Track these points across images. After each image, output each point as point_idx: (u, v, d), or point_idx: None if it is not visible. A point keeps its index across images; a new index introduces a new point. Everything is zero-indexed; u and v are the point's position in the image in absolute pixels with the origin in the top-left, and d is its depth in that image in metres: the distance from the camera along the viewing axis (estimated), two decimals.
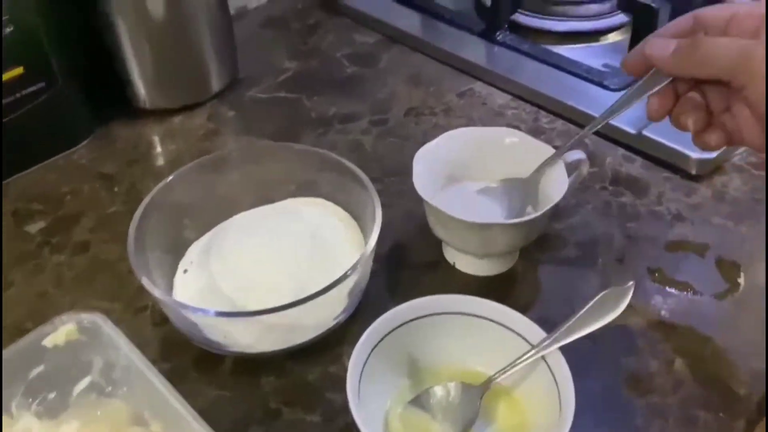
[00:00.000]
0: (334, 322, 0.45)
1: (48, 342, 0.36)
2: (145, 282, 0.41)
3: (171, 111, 0.67)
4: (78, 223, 0.55)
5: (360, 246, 0.48)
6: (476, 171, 0.50)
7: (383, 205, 0.46)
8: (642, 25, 0.64)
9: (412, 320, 0.40)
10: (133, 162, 0.61)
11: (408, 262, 0.51)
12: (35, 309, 0.48)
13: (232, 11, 0.80)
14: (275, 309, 0.40)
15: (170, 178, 0.49)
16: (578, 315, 0.37)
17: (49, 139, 0.61)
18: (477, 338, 0.40)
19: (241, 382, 0.44)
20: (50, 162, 0.61)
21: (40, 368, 0.35)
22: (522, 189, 0.48)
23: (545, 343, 0.37)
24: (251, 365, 0.44)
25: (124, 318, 0.48)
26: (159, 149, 0.63)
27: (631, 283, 0.36)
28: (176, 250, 0.49)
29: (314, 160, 0.51)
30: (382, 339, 0.39)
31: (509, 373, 0.38)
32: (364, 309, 0.47)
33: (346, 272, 0.41)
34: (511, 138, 0.49)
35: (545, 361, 0.37)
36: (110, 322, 0.36)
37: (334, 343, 0.45)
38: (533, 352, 0.37)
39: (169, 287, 0.47)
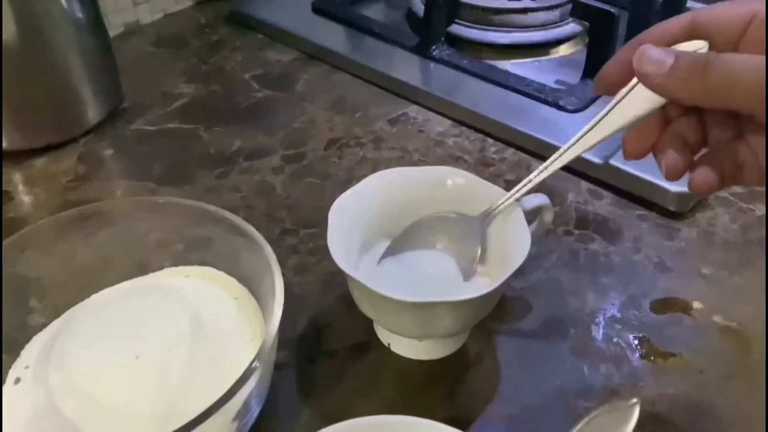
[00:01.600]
0: None
1: None
2: None
3: (32, 152, 0.53)
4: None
5: (260, 333, 0.36)
6: (411, 219, 0.38)
7: (298, 269, 0.34)
8: (599, 35, 0.55)
9: None
10: None
11: (329, 347, 0.39)
12: None
13: (119, 28, 0.68)
14: None
15: (13, 238, 0.36)
16: None
17: None
18: None
19: None
20: None
21: None
22: (469, 227, 0.37)
23: None
24: None
25: None
26: (12, 203, 0.49)
27: (634, 400, 0.26)
28: (12, 348, 0.36)
29: (201, 216, 0.39)
30: None
31: None
32: (269, 417, 0.35)
33: (236, 384, 0.29)
34: (455, 179, 0.38)
35: None
36: None
37: None
38: None
39: None
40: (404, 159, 0.53)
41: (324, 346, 0.39)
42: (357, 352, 0.39)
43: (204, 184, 0.51)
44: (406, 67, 0.61)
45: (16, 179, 0.51)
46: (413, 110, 0.58)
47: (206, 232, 0.39)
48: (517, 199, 0.36)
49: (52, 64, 0.52)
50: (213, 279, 0.39)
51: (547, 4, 0.62)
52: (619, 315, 0.41)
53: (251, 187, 0.50)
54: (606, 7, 0.54)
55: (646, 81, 0.28)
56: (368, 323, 0.40)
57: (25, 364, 0.35)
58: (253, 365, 0.30)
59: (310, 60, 0.65)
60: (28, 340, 0.37)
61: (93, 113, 0.56)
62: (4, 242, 0.36)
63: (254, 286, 0.37)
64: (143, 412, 0.32)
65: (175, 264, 0.40)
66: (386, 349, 0.39)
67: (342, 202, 0.36)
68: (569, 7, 0.62)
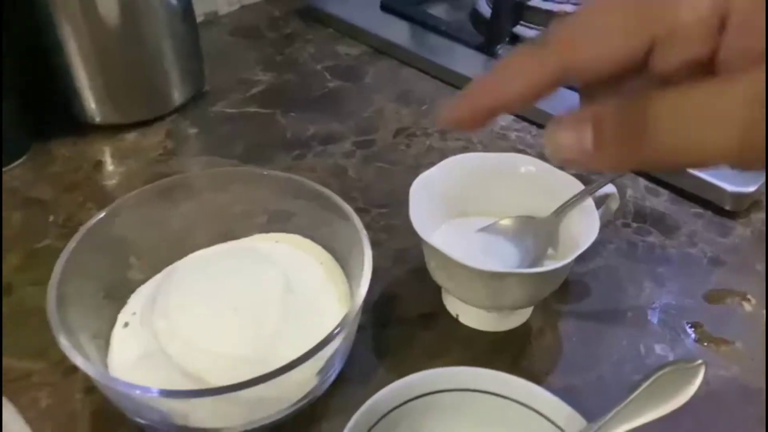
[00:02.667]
0: (311, 396, 0.36)
1: None
2: (64, 343, 0.32)
3: (123, 127, 0.58)
4: (2, 259, 0.45)
5: (345, 295, 0.39)
6: (484, 205, 0.41)
7: (371, 244, 0.37)
8: None
9: (407, 402, 0.31)
10: (73, 186, 0.52)
11: (400, 315, 0.42)
12: None
13: (200, 17, 0.72)
14: (236, 387, 0.31)
15: (113, 206, 0.40)
16: (630, 399, 0.28)
17: None
18: (492, 423, 0.32)
19: None
20: None
21: None
22: (540, 228, 0.40)
23: None
24: None
25: (48, 381, 0.38)
26: (106, 172, 0.54)
27: (699, 361, 0.28)
28: (118, 296, 0.40)
29: (288, 188, 0.42)
30: (374, 425, 0.30)
31: None
32: (347, 375, 0.38)
33: (329, 335, 0.33)
34: (527, 166, 0.41)
35: None
36: (11, 407, 0.27)
37: (310, 418, 0.36)
38: None
39: (106, 344, 0.37)
40: (469, 150, 0.56)
41: (396, 314, 0.42)
42: (426, 321, 0.42)
43: (282, 164, 0.54)
44: (470, 64, 0.64)
45: (108, 150, 0.56)
46: None
47: (295, 202, 0.43)
48: (593, 192, 0.39)
49: (147, 47, 0.56)
50: (300, 245, 0.42)
51: None
52: (674, 302, 0.43)
53: (325, 169, 0.54)
54: None
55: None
56: (437, 296, 0.43)
57: (132, 311, 0.39)
58: (343, 324, 0.33)
59: (377, 54, 0.68)
60: (129, 291, 0.41)
61: (178, 94, 0.60)
62: (106, 208, 0.40)
63: (339, 254, 0.41)
64: (240, 357, 0.35)
65: (263, 231, 0.44)
66: (454, 320, 0.42)
67: (422, 180, 0.39)
68: None
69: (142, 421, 0.34)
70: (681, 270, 0.45)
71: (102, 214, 0.39)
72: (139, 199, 0.41)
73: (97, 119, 0.57)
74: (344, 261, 0.41)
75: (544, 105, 0.57)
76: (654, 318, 0.42)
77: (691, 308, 0.43)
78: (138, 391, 0.31)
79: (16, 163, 0.53)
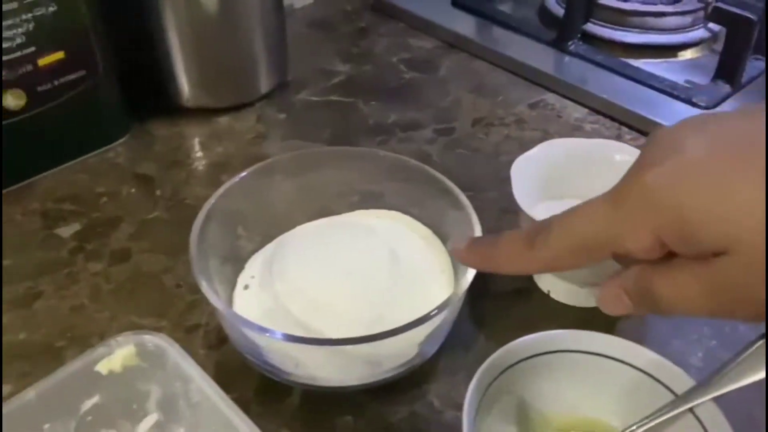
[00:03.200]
0: (419, 358, 0.38)
1: (102, 367, 0.29)
2: (207, 290, 0.35)
3: (215, 111, 0.61)
4: (116, 228, 0.49)
5: (447, 266, 0.42)
6: (578, 188, 0.44)
7: None
8: (736, 38, 0.59)
9: (525, 359, 0.34)
10: (175, 164, 0.55)
11: (495, 289, 0.45)
12: (69, 325, 0.42)
13: None
14: (358, 339, 0.34)
15: (227, 185, 0.43)
16: (739, 359, 0.30)
17: (83, 134, 0.55)
18: (599, 381, 0.34)
19: (312, 421, 0.37)
20: (82, 160, 0.55)
21: (95, 399, 0.29)
22: None
23: (696, 393, 0.31)
24: (323, 401, 0.38)
25: (173, 338, 0.41)
26: (204, 151, 0.57)
27: None
28: (233, 263, 0.43)
29: (391, 166, 0.45)
30: (492, 381, 0.33)
31: (646, 427, 0.32)
32: (450, 342, 0.40)
33: (441, 305, 0.35)
34: (623, 155, 0.43)
35: (695, 415, 0.31)
36: (177, 346, 0.30)
37: (416, 381, 0.39)
38: (680, 403, 0.31)
39: (228, 304, 0.41)
40: (546, 140, 0.58)
41: (491, 289, 0.45)
42: (519, 296, 0.44)
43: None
44: (542, 59, 0.66)
45: (205, 132, 0.59)
46: (550, 97, 0.63)
47: (389, 180, 0.45)
48: None
49: (240, 36, 0.59)
50: (400, 220, 0.45)
51: (680, 10, 0.66)
52: None
53: (410, 154, 0.55)
54: (744, 13, 0.58)
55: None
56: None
57: (250, 275, 0.42)
58: (454, 297, 0.36)
59: (450, 48, 0.71)
60: (241, 257, 0.44)
61: (265, 82, 0.63)
62: (222, 187, 0.42)
63: (437, 229, 0.43)
64: (356, 317, 0.38)
65: (359, 208, 0.47)
66: (545, 296, 0.44)
67: (522, 160, 0.42)
68: (701, 13, 0.66)
69: (266, 369, 0.37)
70: None
71: (221, 191, 0.42)
72: (246, 177, 0.44)
73: (191, 103, 0.61)
74: (444, 236, 0.43)
75: (617, 99, 0.59)
76: None
77: None
78: (267, 334, 0.34)
79: (119, 141, 0.57)
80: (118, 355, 0.30)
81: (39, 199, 0.51)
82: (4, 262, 0.46)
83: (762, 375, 0.30)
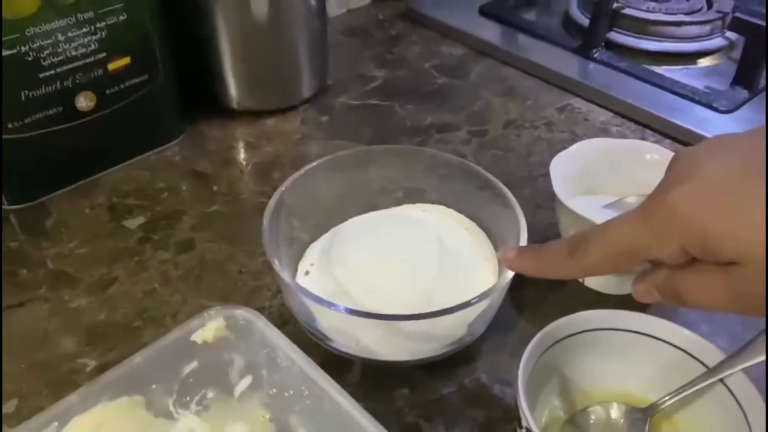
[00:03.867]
0: (467, 338, 0.42)
1: (197, 337, 0.33)
2: (279, 269, 0.39)
3: (261, 113, 0.65)
4: (179, 220, 0.53)
5: (491, 255, 0.45)
6: (611, 184, 0.47)
7: None
8: (754, 46, 0.63)
9: (568, 336, 0.37)
10: (228, 162, 0.59)
11: (532, 279, 0.48)
12: (144, 307, 0.46)
13: None
14: (415, 316, 0.38)
15: (287, 182, 0.46)
16: (764, 332, 0.34)
17: (143, 134, 0.59)
18: (636, 358, 0.38)
19: (371, 392, 0.41)
20: (142, 158, 0.59)
21: (193, 364, 0.33)
22: None
23: (725, 365, 0.34)
24: (380, 375, 0.42)
25: None
26: (255, 151, 0.61)
27: None
28: (292, 251, 0.47)
29: (427, 164, 0.49)
30: (539, 358, 0.36)
31: (681, 396, 0.35)
32: (494, 325, 0.44)
33: (488, 291, 0.39)
34: (653, 154, 0.47)
35: (725, 385, 0.35)
36: (264, 318, 0.34)
37: (465, 359, 0.43)
38: (712, 374, 0.35)
39: None
40: (574, 141, 0.62)
41: (529, 278, 0.48)
42: (554, 285, 0.48)
43: None
44: (568, 65, 0.70)
45: (253, 133, 0.63)
46: (577, 102, 0.67)
47: (433, 177, 0.49)
48: None
49: (285, 42, 0.63)
50: (444, 213, 0.49)
51: (700, 19, 0.70)
52: None
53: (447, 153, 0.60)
54: (762, 23, 0.62)
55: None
56: None
57: (310, 262, 0.46)
58: (500, 283, 0.40)
59: (479, 55, 0.75)
60: (298, 246, 0.48)
61: (307, 87, 0.67)
62: (283, 185, 0.46)
63: (482, 222, 0.47)
64: (409, 300, 0.41)
65: (403, 203, 0.50)
66: (580, 284, 0.48)
67: (561, 156, 0.46)
68: (719, 23, 0.70)
69: (328, 345, 0.41)
70: None
71: (283, 187, 0.46)
72: (302, 175, 0.48)
73: (240, 105, 0.65)
74: (487, 228, 0.47)
75: (640, 103, 0.63)
76: None
77: None
78: (333, 308, 0.38)
79: (175, 141, 0.61)
80: (210, 327, 0.33)
81: (105, 193, 0.55)
82: (80, 250, 0.50)
83: None
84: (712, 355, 0.36)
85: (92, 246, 0.51)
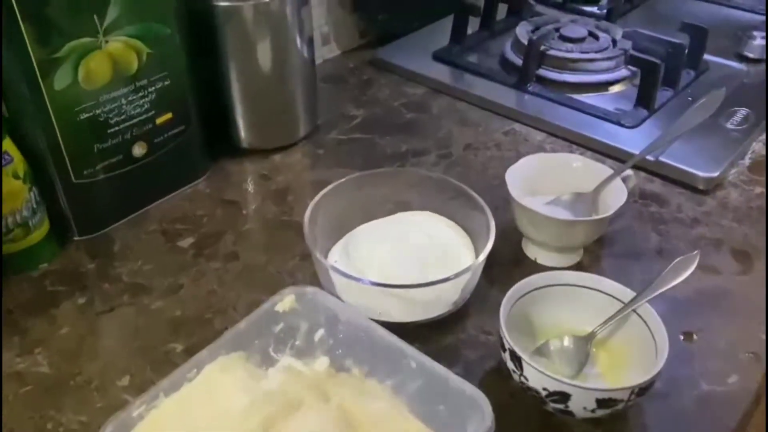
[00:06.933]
0: (459, 303, 0.58)
1: (279, 307, 0.48)
2: (319, 257, 0.54)
3: (267, 151, 0.80)
4: (221, 238, 0.67)
5: (469, 245, 0.62)
6: (549, 187, 0.65)
7: None
8: (647, 77, 0.82)
9: (532, 291, 0.54)
10: (250, 191, 0.74)
11: (498, 260, 0.65)
12: (210, 303, 0.60)
13: None
14: (421, 285, 0.54)
15: (313, 204, 0.61)
16: (660, 276, 0.51)
17: (180, 172, 0.73)
18: (578, 303, 0.54)
19: None
20: (179, 192, 0.73)
21: (280, 325, 0.47)
22: (586, 200, 0.63)
23: (636, 300, 0.51)
24: (397, 333, 0.56)
25: None
26: (271, 181, 0.76)
27: (696, 252, 0.52)
28: (320, 252, 0.62)
29: (413, 180, 0.65)
30: (511, 308, 0.52)
31: (609, 325, 0.52)
32: (474, 294, 0.60)
33: (470, 266, 0.55)
34: (578, 163, 0.64)
35: (637, 314, 0.51)
36: (325, 293, 0.49)
37: (456, 320, 0.59)
38: (627, 307, 0.51)
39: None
40: (520, 157, 0.79)
41: (495, 260, 0.64)
42: (515, 264, 0.64)
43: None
44: (508, 97, 0.88)
45: (264, 167, 0.78)
46: (518, 126, 0.84)
47: (416, 189, 0.65)
48: (619, 174, 0.63)
49: (286, 89, 0.78)
50: (430, 216, 0.65)
51: (608, 56, 0.89)
52: (669, 246, 0.66)
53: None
54: (651, 58, 0.81)
55: None
56: (518, 246, 0.65)
57: (334, 259, 0.61)
58: (478, 260, 0.56)
59: (436, 93, 0.92)
60: (322, 249, 0.63)
61: (303, 126, 0.82)
62: (310, 206, 0.61)
63: (459, 221, 0.63)
64: (412, 279, 0.57)
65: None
66: (533, 262, 0.64)
67: (512, 169, 0.63)
68: (623, 58, 0.89)
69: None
70: (672, 227, 0.69)
71: (312, 205, 0.61)
72: (321, 197, 0.63)
73: (247, 144, 0.79)
74: (463, 225, 0.63)
75: (567, 125, 0.81)
76: (658, 255, 0.65)
77: (681, 249, 0.66)
78: (360, 281, 0.53)
79: (204, 177, 0.75)
80: (286, 300, 0.48)
81: (156, 222, 0.69)
82: (147, 266, 0.64)
83: (676, 281, 0.51)
84: (628, 295, 0.52)
85: (156, 262, 0.64)
